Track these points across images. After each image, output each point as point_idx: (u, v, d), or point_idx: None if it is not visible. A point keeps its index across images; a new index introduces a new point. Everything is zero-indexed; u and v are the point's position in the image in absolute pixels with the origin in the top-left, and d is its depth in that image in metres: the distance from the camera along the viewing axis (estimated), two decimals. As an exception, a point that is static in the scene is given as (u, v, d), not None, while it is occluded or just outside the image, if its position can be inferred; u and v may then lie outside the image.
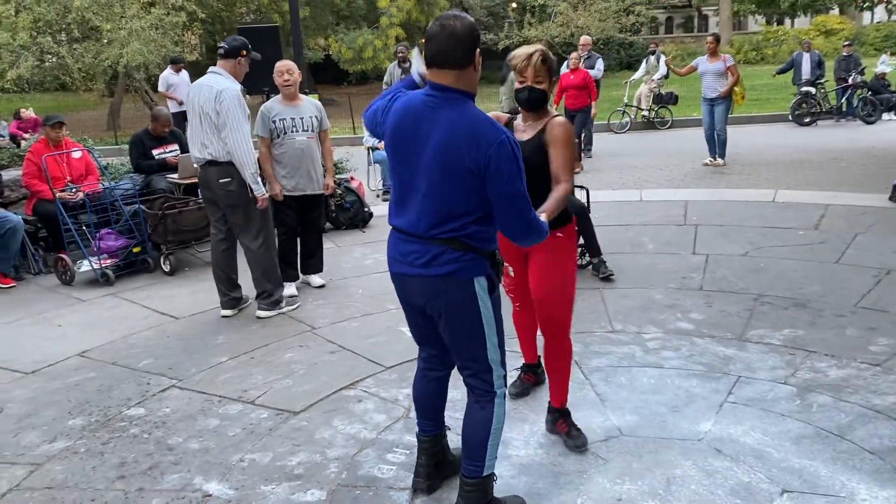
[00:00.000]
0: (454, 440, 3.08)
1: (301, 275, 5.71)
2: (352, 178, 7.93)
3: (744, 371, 3.88)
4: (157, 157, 7.33)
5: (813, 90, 13.82)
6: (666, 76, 14.53)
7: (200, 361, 4.43)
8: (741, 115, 13.98)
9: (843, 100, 14.06)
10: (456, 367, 2.75)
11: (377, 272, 5.90)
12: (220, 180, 4.82)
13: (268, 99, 5.61)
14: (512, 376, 3.54)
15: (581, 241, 5.43)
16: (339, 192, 7.39)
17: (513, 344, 3.61)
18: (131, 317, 5.30)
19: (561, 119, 3.11)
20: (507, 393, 2.74)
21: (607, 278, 5.44)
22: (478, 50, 2.42)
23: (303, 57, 9.85)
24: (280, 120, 5.25)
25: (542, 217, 2.63)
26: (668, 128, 14.56)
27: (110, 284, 6.07)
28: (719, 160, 9.98)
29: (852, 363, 3.90)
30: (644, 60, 15.27)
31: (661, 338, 4.39)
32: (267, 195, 4.86)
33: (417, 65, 2.65)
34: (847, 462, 3.01)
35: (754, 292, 5.04)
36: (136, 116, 19.23)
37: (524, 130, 3.15)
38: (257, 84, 6.85)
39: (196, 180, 5.62)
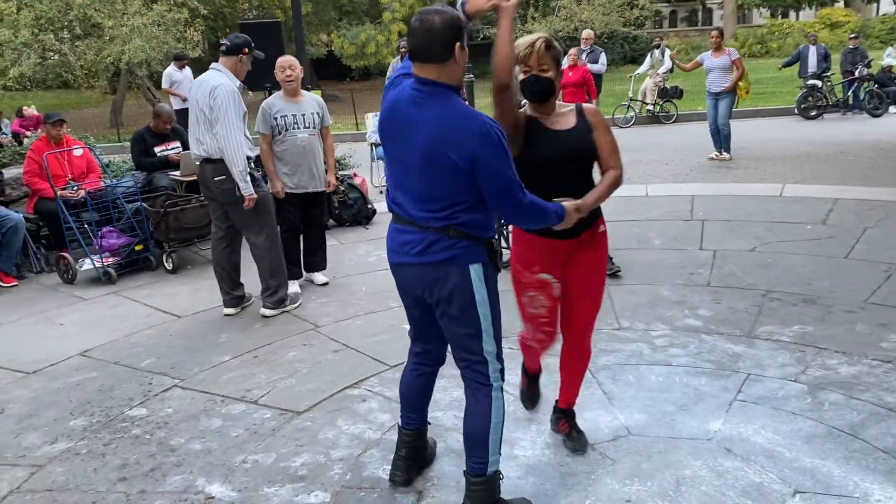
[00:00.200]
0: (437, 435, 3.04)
1: (304, 272, 5.66)
2: (355, 175, 7.88)
3: (753, 368, 3.82)
4: (159, 155, 7.29)
5: (819, 83, 13.71)
6: (671, 70, 14.44)
7: (203, 361, 4.39)
8: (747, 108, 13.88)
9: (849, 93, 13.95)
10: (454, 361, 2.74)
11: (381, 269, 5.84)
12: (216, 178, 4.78)
13: (269, 95, 5.56)
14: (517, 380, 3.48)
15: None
16: (342, 188, 7.34)
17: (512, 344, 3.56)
18: (133, 315, 5.26)
19: (592, 105, 3.01)
20: (503, 386, 2.69)
21: (614, 275, 5.37)
22: (458, 44, 2.39)
23: (305, 52, 9.81)
24: (281, 116, 5.20)
25: (589, 200, 2.68)
26: (673, 122, 14.47)
27: (112, 283, 6.03)
28: (725, 154, 9.90)
29: (863, 360, 3.84)
30: (649, 54, 15.18)
31: (668, 335, 4.33)
32: (255, 196, 4.77)
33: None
34: (860, 462, 2.96)
35: (762, 288, 4.98)
36: (139, 114, 19.17)
37: (556, 121, 2.85)
38: (259, 80, 6.80)
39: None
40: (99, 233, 6.23)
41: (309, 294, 5.46)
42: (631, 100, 14.64)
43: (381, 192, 8.94)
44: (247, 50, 4.83)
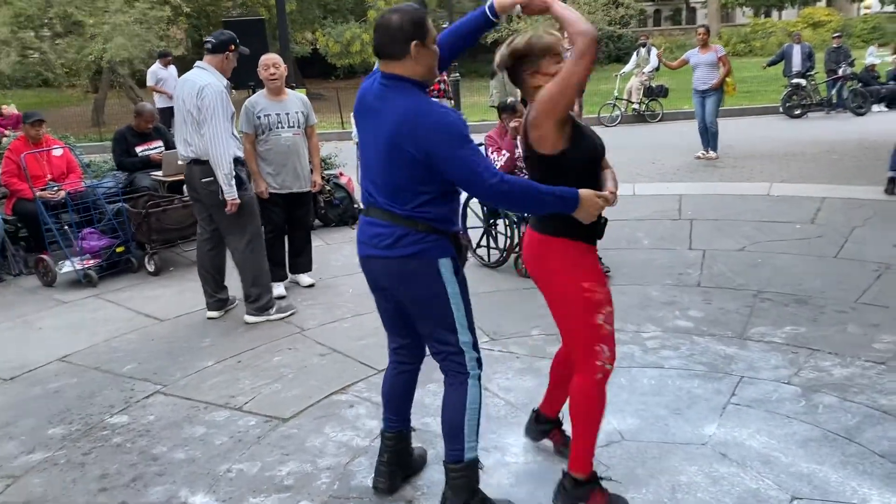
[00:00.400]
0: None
1: (289, 274, 5.57)
2: (341, 174, 7.79)
3: (746, 371, 3.78)
4: (140, 154, 7.15)
5: (803, 82, 13.77)
6: (657, 69, 14.45)
7: (186, 366, 4.28)
8: (732, 107, 13.91)
9: (833, 91, 14.02)
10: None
11: (368, 271, 5.76)
12: (203, 179, 4.67)
13: (253, 94, 5.46)
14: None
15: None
16: (327, 188, 7.25)
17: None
18: (114, 319, 5.15)
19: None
20: (480, 375, 2.69)
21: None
22: (415, 42, 2.40)
23: (289, 51, 9.70)
24: (265, 115, 5.10)
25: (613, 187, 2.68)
26: (659, 121, 14.49)
27: (93, 286, 5.91)
28: (711, 153, 9.90)
29: (856, 361, 3.81)
30: (634, 53, 15.18)
31: (660, 336, 4.28)
32: (238, 200, 4.66)
33: None
34: (857, 466, 2.91)
35: (753, 288, 4.95)
36: (121, 112, 18.92)
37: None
38: (243, 78, 6.68)
39: (181, 177, 5.46)
40: (79, 234, 6.11)
41: (294, 296, 5.37)
42: (616, 98, 14.63)
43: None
44: (233, 47, 4.73)
